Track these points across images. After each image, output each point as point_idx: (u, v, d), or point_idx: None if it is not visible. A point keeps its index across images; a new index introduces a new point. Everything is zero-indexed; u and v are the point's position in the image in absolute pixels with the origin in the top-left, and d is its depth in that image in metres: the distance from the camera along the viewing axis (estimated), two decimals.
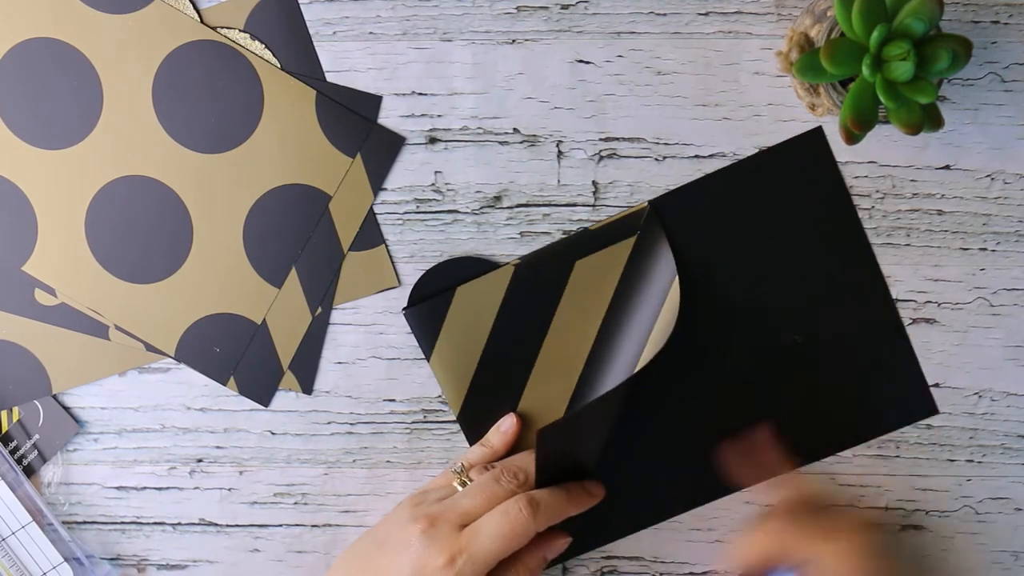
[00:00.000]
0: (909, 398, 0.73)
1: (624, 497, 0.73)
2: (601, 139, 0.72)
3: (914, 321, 0.73)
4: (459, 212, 0.73)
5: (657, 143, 0.72)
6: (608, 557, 0.75)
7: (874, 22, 0.60)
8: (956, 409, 0.73)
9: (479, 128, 0.73)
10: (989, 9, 0.71)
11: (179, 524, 0.76)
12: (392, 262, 0.73)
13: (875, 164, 0.72)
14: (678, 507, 0.74)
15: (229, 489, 0.75)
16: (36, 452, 0.75)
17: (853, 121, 0.62)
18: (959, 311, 0.73)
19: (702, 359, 0.73)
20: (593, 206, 0.73)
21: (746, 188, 0.72)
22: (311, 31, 0.72)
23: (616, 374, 0.72)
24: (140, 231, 0.73)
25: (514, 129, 0.72)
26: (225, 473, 0.75)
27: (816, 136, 0.72)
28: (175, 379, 0.74)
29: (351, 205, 0.73)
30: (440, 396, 0.74)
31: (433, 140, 0.73)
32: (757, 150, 0.72)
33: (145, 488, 0.75)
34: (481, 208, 0.73)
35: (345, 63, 0.72)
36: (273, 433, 0.75)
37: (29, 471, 0.75)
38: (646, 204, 0.72)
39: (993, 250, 0.72)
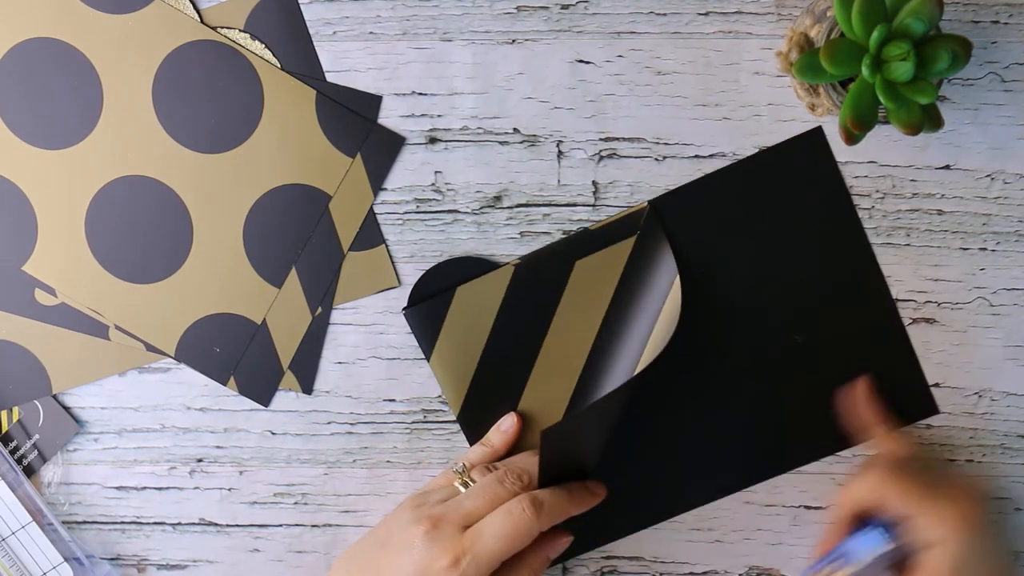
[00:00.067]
0: (909, 398, 0.73)
1: (625, 497, 0.73)
2: (601, 139, 0.72)
3: (914, 321, 0.73)
4: (459, 212, 0.73)
5: (657, 143, 0.72)
6: (608, 557, 0.75)
7: (874, 22, 0.60)
8: (956, 409, 0.73)
9: (479, 128, 0.72)
10: (989, 9, 0.71)
11: (179, 524, 0.76)
12: (392, 262, 0.73)
13: (875, 164, 0.72)
14: (678, 507, 0.74)
15: (229, 489, 0.75)
16: (36, 452, 0.75)
17: (853, 121, 0.62)
18: (959, 311, 0.73)
19: (702, 359, 0.73)
20: (593, 206, 0.73)
21: (746, 188, 0.72)
22: (311, 31, 0.72)
23: (616, 374, 0.72)
24: (140, 231, 0.73)
25: (514, 129, 0.72)
26: (225, 473, 0.75)
27: (816, 136, 0.72)
28: (175, 379, 0.74)
29: (351, 205, 0.73)
30: (440, 396, 0.74)
31: (433, 140, 0.73)
32: (757, 150, 0.72)
33: (145, 488, 0.75)
34: (481, 208, 0.73)
35: (345, 63, 0.72)
36: (273, 433, 0.75)
37: (29, 471, 0.75)
38: (646, 204, 0.72)
39: (993, 250, 0.72)
